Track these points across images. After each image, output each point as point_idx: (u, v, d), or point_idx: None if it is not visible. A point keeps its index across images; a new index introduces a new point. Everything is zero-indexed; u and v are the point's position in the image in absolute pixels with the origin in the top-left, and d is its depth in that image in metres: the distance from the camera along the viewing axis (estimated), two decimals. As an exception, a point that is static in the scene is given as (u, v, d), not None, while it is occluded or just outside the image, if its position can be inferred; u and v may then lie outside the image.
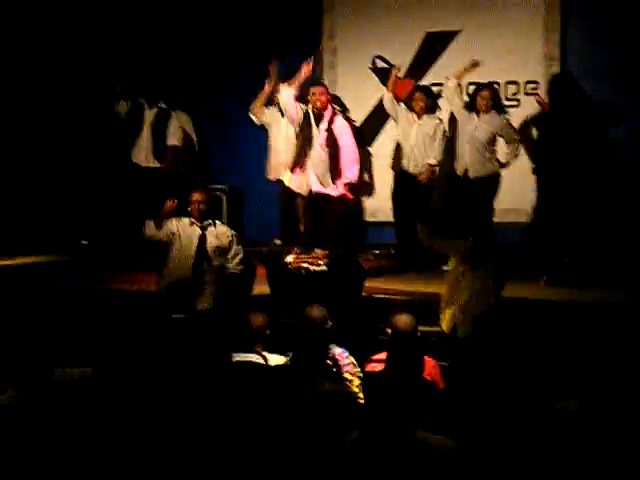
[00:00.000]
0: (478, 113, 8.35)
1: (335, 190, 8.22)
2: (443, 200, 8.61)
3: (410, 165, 8.75)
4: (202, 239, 7.07)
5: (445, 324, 6.39)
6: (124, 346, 5.43)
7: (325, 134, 8.14)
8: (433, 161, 8.61)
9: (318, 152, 8.19)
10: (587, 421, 3.90)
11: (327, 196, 8.25)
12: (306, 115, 8.28)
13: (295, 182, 8.58)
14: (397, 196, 8.97)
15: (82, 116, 10.11)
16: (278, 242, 9.05)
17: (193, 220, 7.14)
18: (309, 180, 8.32)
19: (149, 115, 9.25)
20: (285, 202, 8.97)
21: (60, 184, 10.18)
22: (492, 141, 8.38)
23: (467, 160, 8.36)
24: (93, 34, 10.07)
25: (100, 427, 4.32)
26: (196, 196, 7.16)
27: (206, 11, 10.07)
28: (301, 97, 8.45)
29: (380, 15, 9.66)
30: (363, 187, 9.67)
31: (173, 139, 9.24)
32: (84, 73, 10.04)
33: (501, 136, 8.40)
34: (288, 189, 8.74)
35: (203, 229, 7.11)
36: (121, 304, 7.52)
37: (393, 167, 9.05)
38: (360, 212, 9.82)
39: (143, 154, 9.22)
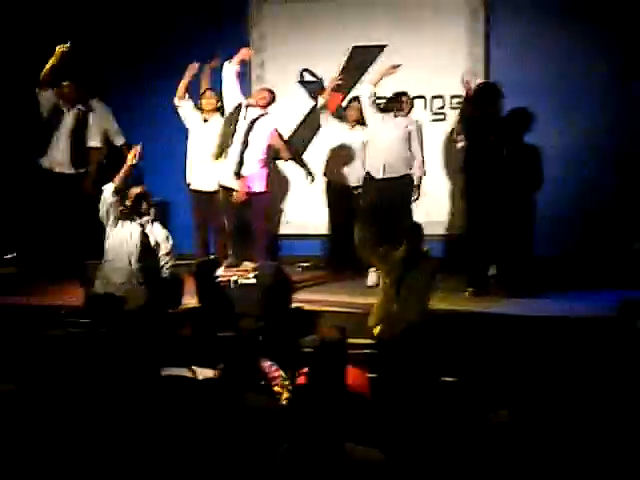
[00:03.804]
0: (393, 115, 8.45)
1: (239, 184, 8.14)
2: (368, 203, 8.59)
3: (342, 175, 8.82)
4: (143, 235, 7.06)
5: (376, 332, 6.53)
6: (48, 361, 5.37)
7: (246, 128, 8.13)
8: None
9: (235, 145, 8.14)
10: (518, 431, 3.97)
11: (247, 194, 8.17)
12: (237, 108, 8.23)
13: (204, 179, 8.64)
14: (331, 204, 9.05)
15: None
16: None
17: (134, 216, 7.10)
18: (219, 173, 8.26)
19: (68, 118, 9.07)
20: (199, 210, 8.92)
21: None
22: (408, 141, 8.41)
23: (384, 160, 8.34)
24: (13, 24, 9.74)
25: (22, 443, 4.27)
26: (138, 190, 7.14)
27: (135, 15, 10.01)
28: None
29: (307, 29, 9.72)
30: (289, 199, 9.75)
31: (93, 140, 9.19)
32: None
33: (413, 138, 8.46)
34: (200, 195, 8.77)
35: (142, 225, 7.09)
36: (46, 319, 7.45)
37: (325, 174, 9.08)
38: (286, 225, 9.87)
39: (59, 159, 9.01)
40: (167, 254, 7.23)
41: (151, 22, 9.97)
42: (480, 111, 7.95)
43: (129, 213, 7.16)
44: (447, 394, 4.81)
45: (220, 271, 7.37)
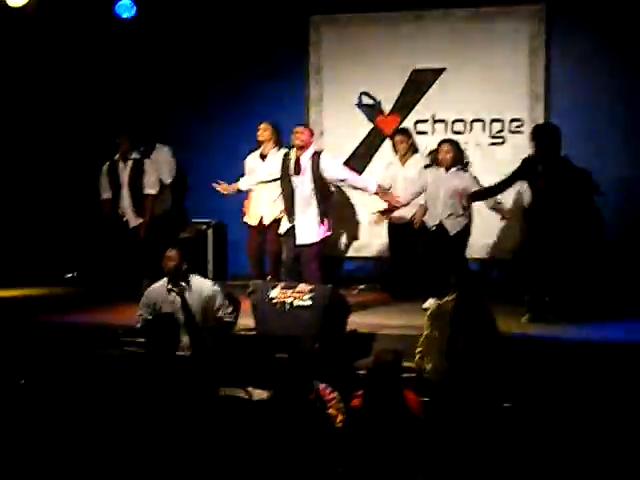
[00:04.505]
0: (445, 169, 8.09)
1: (320, 234, 7.91)
2: (424, 247, 8.45)
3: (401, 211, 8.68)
4: (184, 306, 6.76)
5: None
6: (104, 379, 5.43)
7: (310, 179, 7.85)
8: (423, 201, 8.40)
9: (302, 198, 7.88)
10: (568, 461, 3.92)
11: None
12: (285, 163, 8.00)
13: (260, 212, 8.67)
14: (390, 229, 9.03)
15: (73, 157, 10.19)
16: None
17: (170, 286, 6.83)
18: (295, 232, 7.90)
19: (125, 172, 9.22)
20: (255, 240, 8.84)
21: (48, 218, 10.23)
22: (463, 196, 8.06)
23: (437, 217, 8.10)
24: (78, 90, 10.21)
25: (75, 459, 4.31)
26: (167, 254, 6.86)
27: (189, 46, 10.15)
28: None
29: (366, 51, 9.72)
30: (348, 222, 9.73)
31: (150, 188, 9.24)
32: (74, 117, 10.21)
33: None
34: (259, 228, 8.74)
35: (181, 294, 6.80)
36: (103, 338, 7.52)
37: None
38: (343, 247, 9.85)
39: (128, 213, 9.21)
40: (221, 304, 6.88)
41: (208, 43, 10.13)
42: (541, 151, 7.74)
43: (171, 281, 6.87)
44: (504, 419, 4.76)
45: (276, 293, 7.35)
